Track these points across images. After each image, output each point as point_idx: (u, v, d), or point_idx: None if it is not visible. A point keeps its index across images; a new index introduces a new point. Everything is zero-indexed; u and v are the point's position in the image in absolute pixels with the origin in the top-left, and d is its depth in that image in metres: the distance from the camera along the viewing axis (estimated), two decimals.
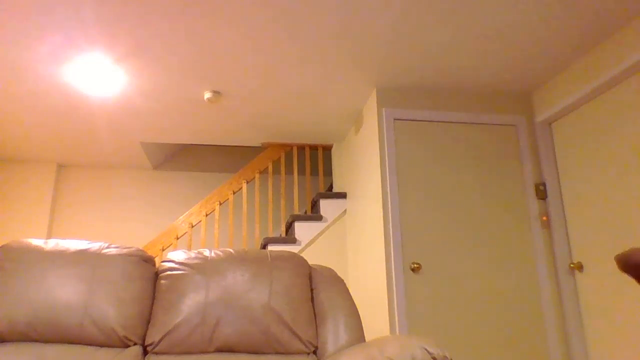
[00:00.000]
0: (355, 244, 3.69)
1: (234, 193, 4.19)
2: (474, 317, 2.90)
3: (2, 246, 1.71)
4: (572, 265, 2.94)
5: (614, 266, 2.64)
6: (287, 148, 4.31)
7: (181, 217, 4.11)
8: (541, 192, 3.15)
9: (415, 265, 2.91)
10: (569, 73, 2.98)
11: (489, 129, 3.27)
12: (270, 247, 3.87)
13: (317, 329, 1.73)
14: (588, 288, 2.84)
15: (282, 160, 4.25)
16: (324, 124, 3.91)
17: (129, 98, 3.37)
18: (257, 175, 4.19)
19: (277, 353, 1.66)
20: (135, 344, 1.62)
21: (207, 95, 3.30)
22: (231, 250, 1.84)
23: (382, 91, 3.25)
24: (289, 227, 4.24)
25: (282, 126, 3.93)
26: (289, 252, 1.89)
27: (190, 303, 1.66)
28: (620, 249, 2.59)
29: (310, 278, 1.86)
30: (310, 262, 3.72)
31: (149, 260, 1.81)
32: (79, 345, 1.57)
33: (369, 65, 2.97)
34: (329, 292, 1.82)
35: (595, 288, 2.79)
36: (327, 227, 3.98)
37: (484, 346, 2.85)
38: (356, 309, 1.80)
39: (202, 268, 1.75)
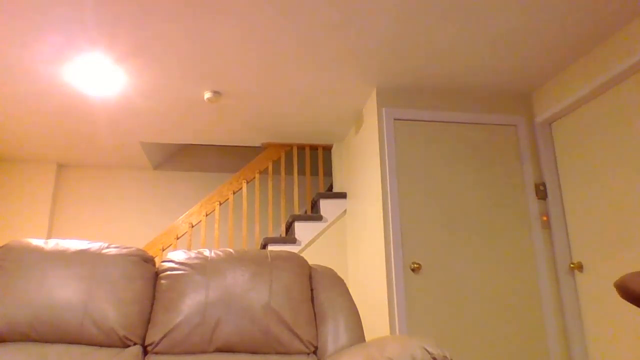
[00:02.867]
0: (355, 244, 3.69)
1: (234, 193, 4.19)
2: (474, 317, 2.90)
3: (2, 246, 1.71)
4: (572, 265, 2.94)
5: (614, 266, 2.64)
6: (287, 148, 4.30)
7: (181, 217, 4.11)
8: (541, 192, 3.15)
9: (415, 265, 2.91)
10: (569, 73, 2.98)
11: (489, 129, 3.27)
12: (270, 247, 3.87)
13: (317, 329, 1.73)
14: (588, 288, 2.84)
15: (282, 160, 4.25)
16: (324, 124, 3.91)
17: (129, 98, 3.37)
18: (257, 175, 4.19)
19: (277, 353, 1.66)
20: (135, 343, 1.62)
21: (207, 95, 3.30)
22: (231, 250, 1.84)
23: (382, 91, 3.25)
24: (289, 227, 4.24)
25: (282, 126, 3.93)
26: (288, 252, 1.89)
27: (190, 303, 1.66)
28: (620, 249, 2.60)
29: (310, 278, 1.86)
30: (310, 262, 3.72)
31: (149, 260, 1.81)
32: (79, 345, 1.57)
33: (369, 65, 2.97)
34: (329, 292, 1.82)
35: (595, 288, 2.79)
36: (327, 227, 3.98)
37: (484, 346, 2.85)
38: (356, 309, 1.80)
39: (202, 268, 1.75)
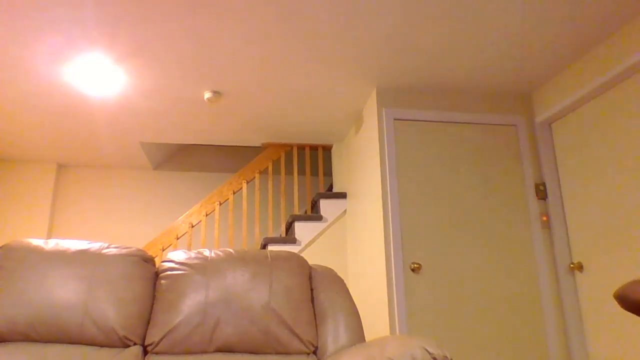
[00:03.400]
0: (355, 244, 3.69)
1: (234, 193, 4.19)
2: (474, 317, 2.90)
3: (2, 246, 1.71)
4: (572, 265, 2.94)
5: (614, 266, 2.64)
6: (287, 148, 4.30)
7: (181, 217, 4.11)
8: (541, 192, 3.15)
9: (415, 265, 2.91)
10: (569, 73, 2.98)
11: (489, 129, 3.27)
12: (270, 247, 3.87)
13: (317, 329, 1.73)
14: (588, 288, 2.84)
15: (282, 160, 4.25)
16: (324, 124, 3.91)
17: (129, 98, 3.37)
18: (257, 175, 4.19)
19: (277, 353, 1.66)
20: (135, 344, 1.62)
21: (207, 95, 3.30)
22: (231, 250, 1.84)
23: (382, 91, 3.25)
24: (289, 227, 4.24)
25: (282, 126, 3.93)
26: (288, 252, 1.89)
27: (190, 303, 1.66)
28: (620, 249, 2.60)
29: (310, 278, 1.86)
30: (310, 262, 3.72)
31: (149, 260, 1.81)
32: (79, 345, 1.57)
33: (369, 65, 2.97)
34: (329, 292, 1.82)
35: (595, 288, 2.79)
36: (327, 227, 3.98)
37: (484, 346, 2.85)
38: (356, 309, 1.80)
39: (202, 268, 1.75)
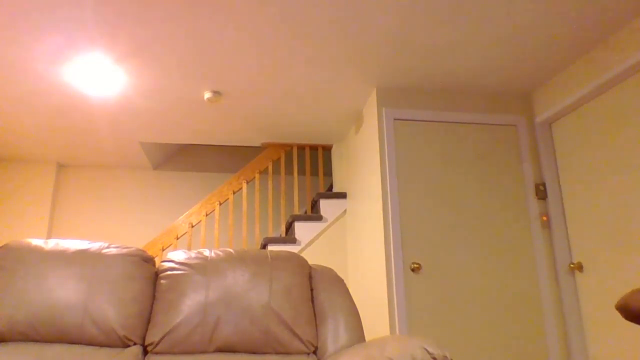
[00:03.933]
0: (355, 244, 3.69)
1: (234, 193, 4.19)
2: (474, 317, 2.90)
3: (2, 246, 1.71)
4: (572, 265, 2.94)
5: (614, 266, 2.64)
6: (287, 148, 4.30)
7: (181, 217, 4.11)
8: (541, 192, 3.15)
9: (415, 265, 2.91)
10: (569, 73, 2.98)
11: (489, 129, 3.27)
12: (270, 247, 3.87)
13: (317, 329, 1.73)
14: (588, 288, 2.84)
15: (282, 160, 4.25)
16: (324, 124, 3.91)
17: (129, 98, 3.37)
18: (257, 175, 4.19)
19: (277, 353, 1.66)
20: (135, 343, 1.62)
21: (207, 95, 3.30)
22: (231, 250, 1.84)
23: (382, 91, 3.25)
24: (289, 227, 4.24)
25: (282, 126, 3.93)
26: (288, 252, 1.89)
27: (190, 303, 1.66)
28: (620, 249, 2.60)
29: (310, 278, 1.86)
30: (310, 262, 3.72)
31: (149, 260, 1.81)
32: (79, 345, 1.58)
33: (369, 65, 2.97)
34: (329, 292, 1.82)
35: (595, 288, 2.79)
36: (327, 227, 3.98)
37: (484, 346, 2.85)
38: (356, 309, 1.80)
39: (202, 268, 1.75)
